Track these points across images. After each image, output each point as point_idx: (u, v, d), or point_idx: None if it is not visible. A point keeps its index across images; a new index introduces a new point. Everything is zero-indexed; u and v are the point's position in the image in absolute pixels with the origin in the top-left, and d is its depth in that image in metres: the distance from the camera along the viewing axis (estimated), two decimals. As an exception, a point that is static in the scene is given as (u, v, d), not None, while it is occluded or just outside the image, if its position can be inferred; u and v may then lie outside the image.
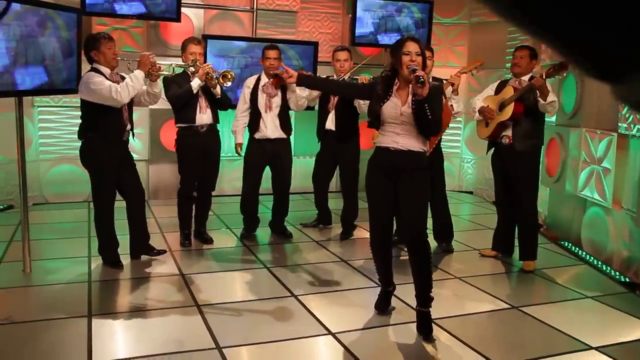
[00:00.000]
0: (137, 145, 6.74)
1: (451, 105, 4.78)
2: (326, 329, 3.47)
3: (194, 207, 5.21)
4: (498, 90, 4.81)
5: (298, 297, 3.99)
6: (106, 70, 4.30)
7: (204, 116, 4.96)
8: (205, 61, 5.15)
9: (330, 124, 5.43)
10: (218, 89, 4.90)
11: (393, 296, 3.81)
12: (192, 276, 4.36)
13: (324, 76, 5.57)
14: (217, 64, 6.57)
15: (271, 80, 5.12)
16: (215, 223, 5.89)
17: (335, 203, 6.04)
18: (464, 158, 8.12)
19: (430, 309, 3.43)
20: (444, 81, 4.77)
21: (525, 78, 4.65)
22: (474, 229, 6.19)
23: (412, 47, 3.30)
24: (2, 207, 6.24)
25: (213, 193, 5.35)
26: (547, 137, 5.18)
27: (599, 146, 4.99)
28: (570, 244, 5.43)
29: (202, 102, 4.94)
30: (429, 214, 3.69)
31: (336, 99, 5.36)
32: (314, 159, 5.84)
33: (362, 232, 5.66)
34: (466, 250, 5.25)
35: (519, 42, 6.39)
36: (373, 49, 7.61)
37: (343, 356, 3.15)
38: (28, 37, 4.01)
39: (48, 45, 4.22)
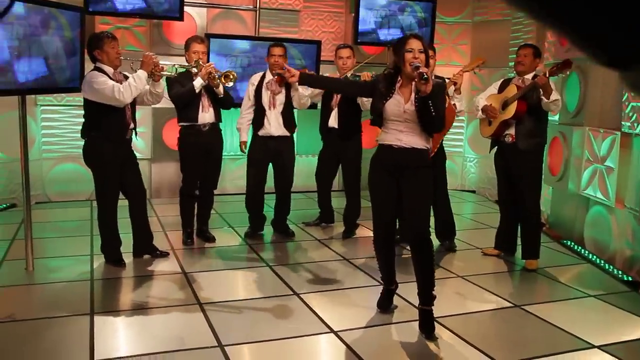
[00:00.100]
0: (140, 144, 6.75)
1: (454, 104, 4.78)
2: (328, 327, 3.47)
3: (196, 205, 5.22)
4: (501, 89, 4.80)
5: (300, 295, 3.99)
6: (109, 70, 4.30)
7: (206, 115, 4.97)
8: (208, 60, 5.15)
9: (333, 121, 5.43)
10: (221, 88, 4.90)
11: (395, 294, 3.80)
12: (194, 274, 4.37)
13: (327, 74, 5.58)
14: (220, 63, 6.58)
15: (275, 77, 5.12)
16: (218, 222, 5.89)
17: (337, 202, 6.04)
18: (467, 157, 8.11)
19: (433, 307, 3.43)
20: (447, 80, 4.76)
21: (529, 77, 4.64)
22: (476, 227, 6.18)
23: (415, 44, 3.29)
24: (5, 205, 6.25)
25: (215, 192, 5.36)
26: (550, 135, 5.17)
27: (602, 145, 4.98)
28: (573, 243, 5.42)
29: (205, 101, 4.94)
30: (431, 213, 3.69)
31: (339, 96, 5.37)
32: (317, 157, 5.84)
33: (365, 231, 5.66)
34: (469, 249, 5.24)
35: (521, 41, 6.39)
36: (376, 47, 7.61)
37: (345, 354, 3.15)
38: (31, 35, 4.02)
39: (51, 43, 4.22)
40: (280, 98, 5.21)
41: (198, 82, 4.80)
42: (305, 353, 3.20)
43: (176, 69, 4.73)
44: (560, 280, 4.52)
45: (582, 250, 5.22)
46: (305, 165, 7.41)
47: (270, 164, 5.38)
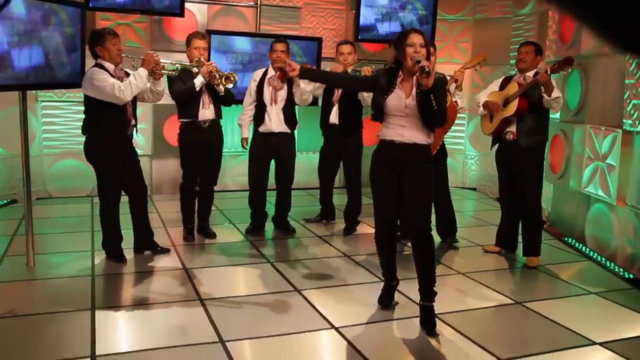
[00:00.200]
0: (141, 140, 6.74)
1: (455, 102, 4.77)
2: (329, 323, 3.47)
3: (196, 202, 5.22)
4: (502, 86, 4.79)
5: (301, 291, 3.99)
6: (110, 66, 4.30)
7: (206, 111, 4.97)
8: (209, 56, 5.15)
9: (334, 117, 5.43)
10: (221, 86, 4.91)
11: (396, 291, 3.80)
12: (195, 270, 4.37)
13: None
14: (220, 60, 6.58)
15: (277, 73, 5.12)
16: (219, 218, 5.89)
17: (338, 198, 6.04)
18: (468, 154, 8.10)
19: (434, 303, 3.43)
20: (448, 77, 4.75)
21: (530, 74, 4.63)
22: (477, 225, 6.18)
23: (416, 38, 3.28)
24: (5, 201, 6.25)
25: (216, 188, 5.36)
26: (551, 133, 5.17)
27: (604, 143, 4.97)
28: (574, 241, 5.42)
29: (206, 97, 4.94)
30: (432, 210, 3.68)
31: (340, 91, 5.36)
32: (318, 154, 5.83)
33: (365, 228, 5.66)
34: (469, 246, 5.24)
35: (523, 39, 6.39)
36: (377, 44, 7.60)
37: (346, 351, 3.15)
38: (32, 31, 4.01)
39: (52, 39, 4.21)
40: (282, 94, 5.21)
41: (199, 80, 4.80)
42: (306, 349, 3.20)
43: (177, 68, 4.73)
44: (561, 277, 4.51)
45: (583, 247, 5.22)
46: (306, 162, 7.40)
47: (273, 161, 5.38)
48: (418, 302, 3.49)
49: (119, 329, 3.38)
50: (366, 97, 5.10)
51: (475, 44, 7.86)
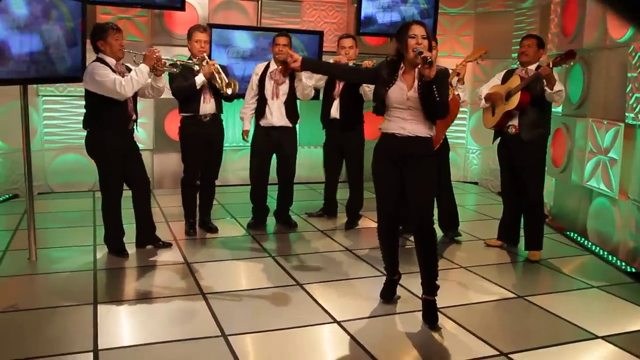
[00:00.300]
0: (142, 135, 6.74)
1: (458, 95, 4.76)
2: (332, 317, 3.47)
3: (198, 196, 5.22)
4: (504, 80, 4.78)
5: (303, 285, 3.99)
6: (111, 61, 4.28)
7: (207, 106, 4.96)
8: (210, 50, 5.13)
9: (335, 111, 5.41)
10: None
11: (398, 285, 3.80)
12: (197, 265, 4.37)
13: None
14: (220, 54, 6.57)
15: (279, 67, 5.11)
16: (220, 212, 5.89)
17: (341, 193, 6.03)
18: (469, 148, 8.09)
19: (436, 297, 3.43)
20: (450, 71, 4.74)
21: (532, 67, 4.62)
22: (479, 219, 6.18)
23: (418, 30, 3.27)
24: (7, 196, 6.25)
25: (218, 183, 5.36)
26: (553, 127, 5.15)
27: (606, 136, 4.96)
28: (576, 235, 5.42)
29: (206, 92, 4.93)
30: (435, 204, 3.67)
31: (341, 85, 5.35)
32: (319, 148, 5.82)
33: (367, 222, 5.65)
34: (471, 240, 5.23)
35: (524, 32, 6.36)
36: (378, 38, 7.58)
37: (349, 344, 3.15)
38: (32, 25, 3.99)
39: (52, 33, 4.20)
40: (284, 88, 5.20)
41: (200, 79, 4.81)
42: (309, 343, 3.20)
43: (178, 65, 4.71)
44: (563, 271, 4.51)
45: (585, 241, 5.21)
46: (307, 157, 7.40)
47: (274, 155, 5.37)
48: (420, 296, 3.49)
49: (121, 323, 3.38)
50: (367, 91, 5.09)
51: (477, 38, 7.84)
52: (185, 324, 3.33)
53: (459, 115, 5.06)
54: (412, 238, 3.68)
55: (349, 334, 3.25)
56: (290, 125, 5.27)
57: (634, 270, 4.44)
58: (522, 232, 4.88)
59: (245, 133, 5.36)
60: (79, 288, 3.84)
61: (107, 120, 4.28)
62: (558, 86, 4.41)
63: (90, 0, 6.06)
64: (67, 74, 4.46)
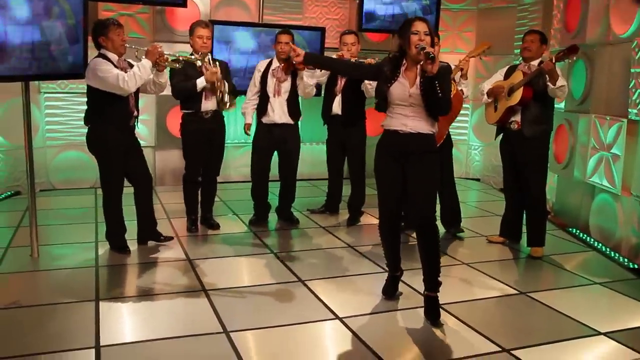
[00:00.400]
0: (144, 131, 6.74)
1: (461, 90, 4.75)
2: (334, 313, 3.46)
3: (199, 193, 5.21)
4: (507, 76, 4.76)
5: (305, 282, 3.98)
6: (113, 57, 4.28)
7: (208, 103, 4.96)
8: (212, 46, 5.12)
9: (337, 107, 5.40)
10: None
11: (400, 281, 3.80)
12: (198, 261, 4.37)
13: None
14: (222, 50, 6.56)
15: (282, 65, 5.10)
16: (222, 209, 5.90)
17: (343, 189, 6.02)
18: (472, 145, 8.08)
19: (438, 293, 3.42)
20: (452, 66, 4.72)
21: (535, 63, 4.60)
22: (481, 215, 6.17)
23: (420, 26, 3.26)
24: (9, 193, 6.25)
25: (219, 179, 5.36)
26: (555, 123, 5.13)
27: (609, 132, 4.94)
28: (578, 231, 5.40)
29: (208, 90, 4.92)
30: (437, 200, 3.67)
31: (343, 81, 5.34)
32: (321, 145, 5.82)
33: (369, 218, 5.65)
34: (474, 237, 5.23)
35: (527, 28, 6.34)
36: (380, 34, 7.57)
37: (351, 341, 3.15)
38: (34, 21, 3.98)
39: (54, 29, 4.19)
40: (286, 86, 5.19)
41: (201, 83, 4.81)
42: (310, 339, 3.20)
43: (181, 60, 4.70)
44: (565, 267, 4.50)
45: (588, 238, 5.20)
46: (310, 153, 7.39)
47: (275, 152, 5.36)
48: (422, 292, 3.48)
49: (123, 319, 3.38)
50: (369, 88, 5.07)
51: (479, 34, 7.82)
52: (187, 321, 3.33)
53: (461, 112, 5.05)
54: (414, 234, 3.67)
55: (350, 330, 3.25)
56: (292, 122, 5.27)
57: (636, 266, 4.43)
58: (524, 229, 4.87)
59: (247, 126, 5.33)
60: (81, 285, 3.84)
61: (109, 116, 4.28)
62: (561, 81, 4.40)
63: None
64: (69, 70, 4.45)
